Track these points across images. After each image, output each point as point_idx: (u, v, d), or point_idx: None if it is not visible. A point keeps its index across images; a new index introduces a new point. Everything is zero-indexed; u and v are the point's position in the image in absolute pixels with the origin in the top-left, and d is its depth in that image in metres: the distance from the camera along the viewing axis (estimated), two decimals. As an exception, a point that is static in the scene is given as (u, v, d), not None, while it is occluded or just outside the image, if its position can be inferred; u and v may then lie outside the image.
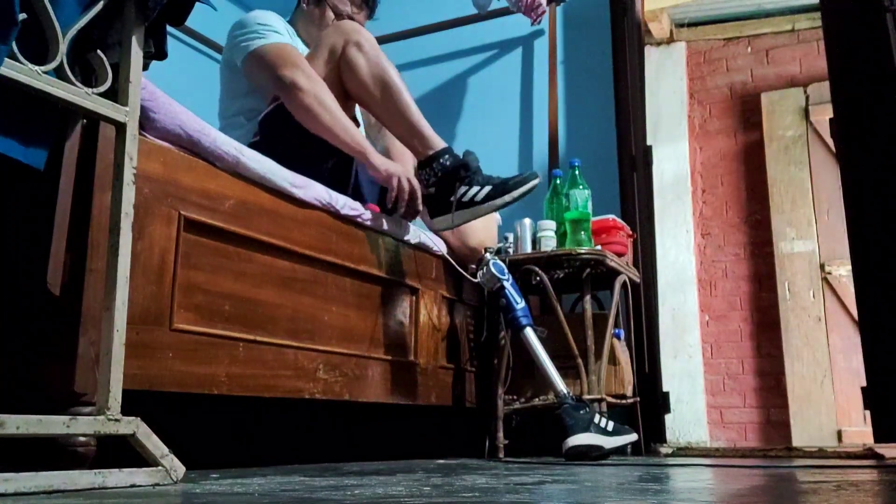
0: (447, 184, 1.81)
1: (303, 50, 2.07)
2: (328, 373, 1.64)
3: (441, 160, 1.81)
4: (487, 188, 1.77)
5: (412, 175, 1.83)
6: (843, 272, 3.43)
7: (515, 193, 1.79)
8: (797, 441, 3.32)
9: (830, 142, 3.39)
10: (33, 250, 1.11)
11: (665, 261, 3.48)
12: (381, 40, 3.34)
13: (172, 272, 1.29)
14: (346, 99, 1.92)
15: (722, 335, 3.66)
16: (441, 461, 1.86)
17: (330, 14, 2.18)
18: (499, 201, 1.78)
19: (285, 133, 1.86)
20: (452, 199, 1.79)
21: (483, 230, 2.27)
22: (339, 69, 1.86)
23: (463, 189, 1.78)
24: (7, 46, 0.92)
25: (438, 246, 2.13)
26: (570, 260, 2.27)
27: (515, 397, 2.24)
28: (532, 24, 2.98)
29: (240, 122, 2.02)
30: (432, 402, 2.02)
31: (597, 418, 1.92)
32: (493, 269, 2.06)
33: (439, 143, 1.86)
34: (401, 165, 1.83)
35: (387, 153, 2.12)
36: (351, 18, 2.16)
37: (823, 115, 3.50)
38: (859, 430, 3.21)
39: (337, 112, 1.80)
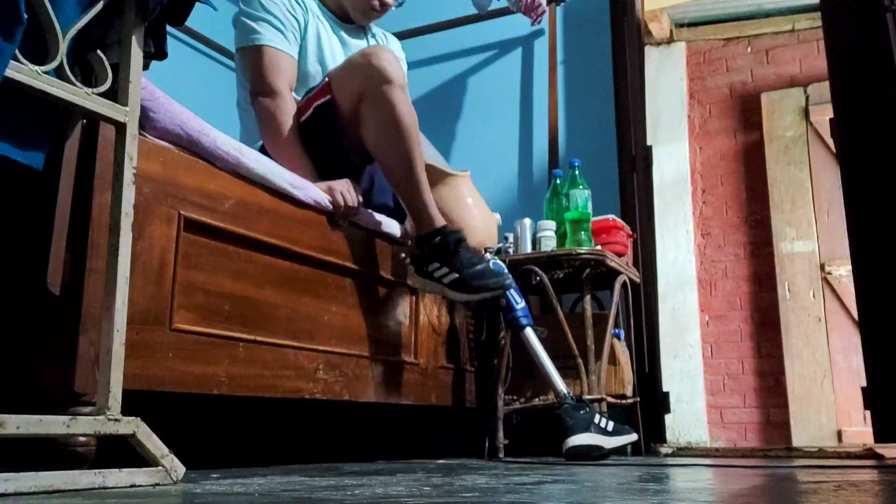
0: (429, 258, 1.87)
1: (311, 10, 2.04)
2: (328, 373, 1.64)
3: (433, 241, 1.83)
4: (454, 276, 1.82)
5: (351, 187, 1.79)
6: (843, 272, 3.43)
7: (474, 296, 1.86)
8: (797, 441, 3.32)
9: (830, 142, 3.39)
10: (33, 250, 1.11)
11: (665, 261, 3.48)
12: (381, 40, 3.35)
13: (172, 272, 1.29)
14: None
15: (722, 335, 3.66)
16: (441, 461, 1.86)
17: None
18: (457, 294, 1.85)
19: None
20: (426, 269, 1.86)
21: (483, 230, 2.27)
22: (358, 111, 1.81)
23: (436, 265, 1.84)
24: (13, 46, 0.92)
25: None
26: (570, 260, 2.27)
27: (515, 397, 2.24)
28: (532, 24, 2.98)
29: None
30: (432, 402, 2.02)
31: (597, 418, 1.92)
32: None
33: (436, 221, 1.84)
34: (345, 181, 1.80)
35: None
36: None
37: (823, 115, 3.50)
38: (859, 430, 3.21)
39: (298, 145, 1.83)
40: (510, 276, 1.98)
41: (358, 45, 2.16)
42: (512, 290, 2.07)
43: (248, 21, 1.93)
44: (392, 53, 1.83)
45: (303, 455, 1.81)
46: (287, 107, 1.86)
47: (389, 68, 1.77)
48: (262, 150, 1.83)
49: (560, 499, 0.88)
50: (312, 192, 1.67)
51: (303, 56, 2.01)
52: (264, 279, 1.51)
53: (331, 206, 1.72)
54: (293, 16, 1.99)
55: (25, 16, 0.94)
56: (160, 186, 1.28)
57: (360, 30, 2.21)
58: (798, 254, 3.56)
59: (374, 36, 2.26)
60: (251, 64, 1.91)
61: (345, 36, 2.14)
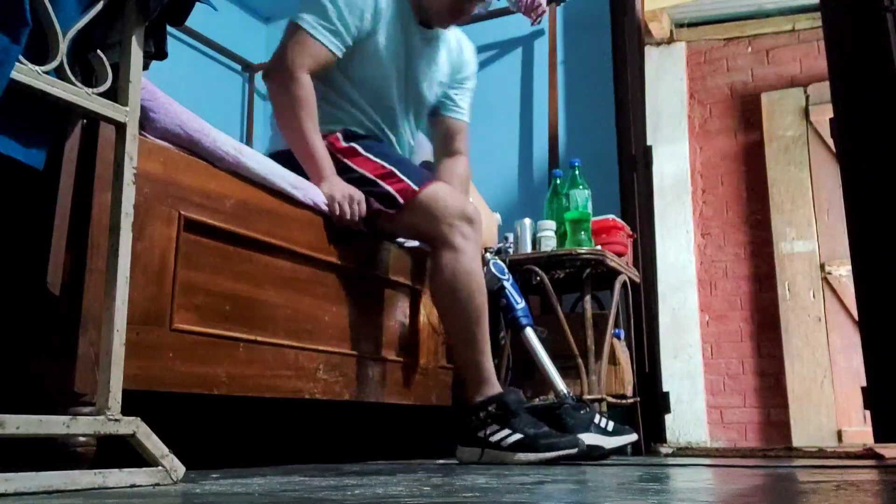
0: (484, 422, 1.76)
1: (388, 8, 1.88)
2: (328, 373, 1.64)
3: (490, 408, 1.75)
4: (518, 436, 1.70)
5: (352, 191, 1.74)
6: (843, 272, 3.43)
7: (542, 456, 1.68)
8: (797, 441, 3.32)
9: (830, 142, 3.39)
10: (33, 250, 1.11)
11: (665, 261, 3.48)
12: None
13: (172, 272, 1.29)
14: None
15: (722, 335, 3.66)
16: (441, 461, 1.86)
17: None
18: (522, 456, 1.69)
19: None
20: (481, 434, 1.73)
21: (483, 230, 2.27)
22: (419, 237, 1.83)
23: (494, 427, 1.72)
24: (20, 48, 0.92)
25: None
26: (571, 260, 2.27)
27: (515, 397, 2.24)
28: (532, 24, 2.98)
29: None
30: (432, 402, 2.02)
31: (597, 418, 1.92)
32: (493, 269, 2.06)
33: (495, 388, 1.78)
34: (352, 188, 1.75)
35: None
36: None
37: (823, 115, 3.50)
38: (859, 430, 3.21)
39: (309, 129, 1.77)
40: (579, 435, 1.81)
41: (429, 53, 2.01)
42: (512, 290, 2.08)
43: (311, 3, 1.82)
44: (478, 218, 1.83)
45: (303, 455, 1.81)
46: (301, 91, 1.77)
47: (471, 237, 1.79)
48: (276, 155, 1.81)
49: (560, 499, 0.88)
50: (312, 192, 1.67)
51: (366, 61, 1.90)
52: (264, 279, 1.51)
53: (332, 214, 1.69)
54: (360, 19, 1.84)
55: (30, 16, 0.94)
56: (160, 186, 1.27)
57: (434, 36, 2.03)
58: (798, 254, 3.56)
59: (447, 48, 2.09)
60: (285, 38, 1.82)
61: (417, 42, 1.97)
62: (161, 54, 1.19)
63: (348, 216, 1.71)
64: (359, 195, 1.75)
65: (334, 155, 1.86)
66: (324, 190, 1.71)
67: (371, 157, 1.85)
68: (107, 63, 1.09)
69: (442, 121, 2.12)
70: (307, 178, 1.75)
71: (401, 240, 1.95)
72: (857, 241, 1.84)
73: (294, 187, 1.60)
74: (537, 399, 2.21)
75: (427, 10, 1.94)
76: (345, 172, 1.83)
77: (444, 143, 2.13)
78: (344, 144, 1.88)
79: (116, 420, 1.02)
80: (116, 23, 1.11)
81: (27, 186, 1.12)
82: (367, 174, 1.82)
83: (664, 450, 2.71)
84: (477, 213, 1.83)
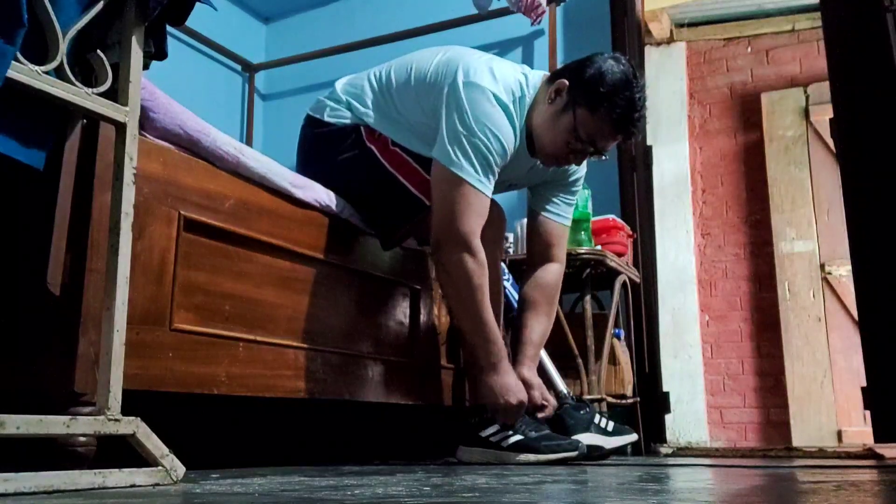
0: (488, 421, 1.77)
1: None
2: (328, 373, 1.64)
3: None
4: (518, 437, 1.72)
5: (520, 396, 1.72)
6: (843, 272, 3.43)
7: (543, 457, 1.70)
8: (797, 441, 3.32)
9: (830, 142, 3.39)
10: (33, 250, 1.11)
11: (665, 261, 3.48)
12: (381, 40, 3.35)
13: (172, 272, 1.29)
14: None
15: (722, 335, 3.66)
16: (441, 461, 1.86)
17: (565, 120, 1.78)
18: (523, 457, 1.70)
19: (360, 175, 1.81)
20: (483, 434, 1.75)
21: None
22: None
23: (496, 427, 1.74)
24: (14, 48, 0.92)
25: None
26: (570, 260, 2.27)
27: (515, 397, 2.24)
28: (532, 24, 2.98)
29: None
30: (432, 402, 2.02)
31: (597, 418, 1.92)
32: (493, 269, 2.05)
33: None
34: (520, 388, 1.72)
35: None
36: (593, 144, 1.84)
37: (823, 115, 3.50)
38: (859, 430, 3.21)
39: (488, 312, 1.70)
40: (579, 435, 1.83)
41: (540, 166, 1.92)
42: (512, 290, 2.08)
43: (470, 122, 1.67)
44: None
45: (303, 455, 1.81)
46: (478, 268, 1.69)
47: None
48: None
49: (560, 499, 0.88)
50: (314, 190, 1.66)
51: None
52: (264, 279, 1.51)
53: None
54: (507, 156, 1.75)
55: (27, 17, 0.94)
56: (160, 186, 1.27)
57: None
58: (798, 254, 3.56)
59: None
60: (450, 197, 1.68)
61: (530, 161, 1.89)
62: (161, 54, 1.19)
63: (511, 422, 1.73)
64: (521, 396, 1.73)
65: (370, 144, 1.81)
66: (493, 383, 1.70)
67: (408, 159, 1.80)
68: (107, 63, 1.09)
69: (543, 222, 1.99)
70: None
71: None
72: (857, 241, 1.84)
73: (295, 186, 1.60)
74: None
75: (537, 150, 1.85)
76: (373, 164, 1.80)
77: (542, 247, 2.01)
78: (391, 147, 1.82)
79: (116, 420, 1.02)
80: (116, 23, 1.11)
81: (27, 186, 1.12)
82: (394, 172, 1.80)
83: (664, 450, 2.71)
84: (500, 214, 1.83)
